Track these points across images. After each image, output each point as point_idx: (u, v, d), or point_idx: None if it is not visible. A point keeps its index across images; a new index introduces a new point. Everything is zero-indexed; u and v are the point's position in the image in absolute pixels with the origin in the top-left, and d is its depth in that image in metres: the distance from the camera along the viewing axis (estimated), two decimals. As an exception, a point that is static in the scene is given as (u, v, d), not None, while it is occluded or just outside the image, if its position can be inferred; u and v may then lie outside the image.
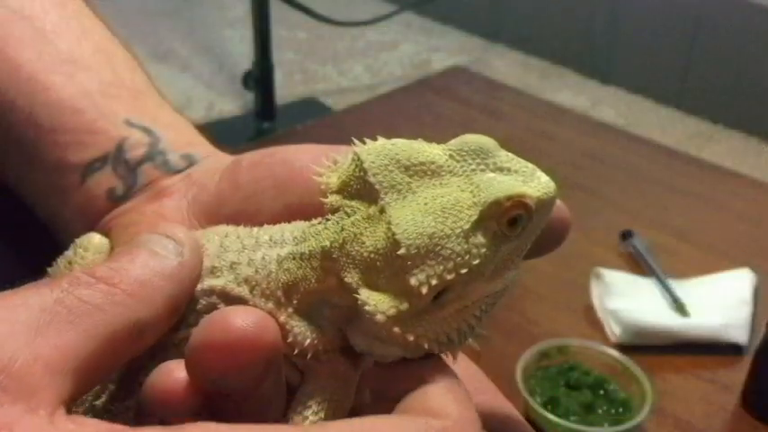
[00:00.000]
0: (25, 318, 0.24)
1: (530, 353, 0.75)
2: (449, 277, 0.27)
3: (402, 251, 0.26)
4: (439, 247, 0.27)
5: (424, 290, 0.26)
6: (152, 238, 0.29)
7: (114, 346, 0.26)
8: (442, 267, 0.26)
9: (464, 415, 0.26)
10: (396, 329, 0.27)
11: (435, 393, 0.27)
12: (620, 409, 0.73)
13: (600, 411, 0.73)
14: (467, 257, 0.27)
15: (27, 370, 0.23)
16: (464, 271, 0.27)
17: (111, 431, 0.23)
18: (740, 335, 0.81)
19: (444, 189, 0.28)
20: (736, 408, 0.76)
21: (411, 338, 0.27)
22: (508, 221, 0.27)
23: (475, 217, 0.27)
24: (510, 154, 0.29)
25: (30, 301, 0.25)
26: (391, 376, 0.28)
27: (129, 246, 0.29)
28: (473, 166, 0.28)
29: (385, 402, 0.28)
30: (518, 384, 0.71)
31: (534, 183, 0.28)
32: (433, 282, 0.26)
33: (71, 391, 0.24)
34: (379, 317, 0.27)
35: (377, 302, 0.27)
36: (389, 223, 0.27)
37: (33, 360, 0.23)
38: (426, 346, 0.27)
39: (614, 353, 0.76)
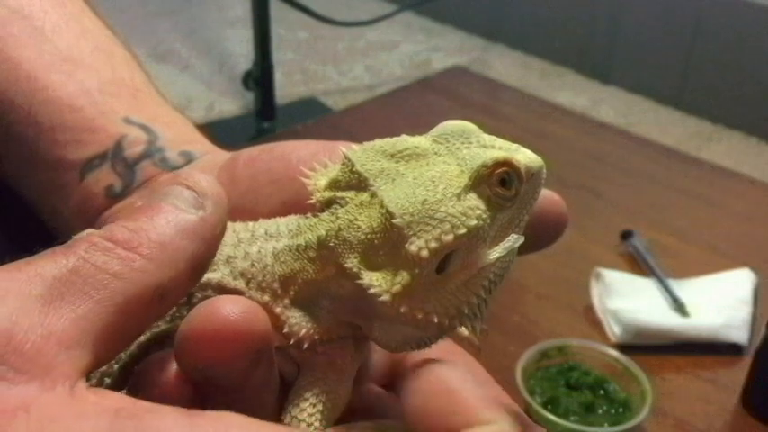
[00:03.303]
0: (39, 290, 0.24)
1: (530, 353, 0.75)
2: (447, 239, 0.26)
3: (397, 221, 0.26)
4: (433, 211, 0.26)
5: (425, 254, 0.26)
6: (173, 191, 0.27)
7: (133, 313, 0.25)
8: (438, 230, 0.26)
9: (467, 359, 0.26)
10: (403, 308, 0.26)
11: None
12: (620, 409, 0.73)
13: (600, 411, 0.73)
14: (463, 218, 0.26)
15: (41, 348, 0.23)
16: (462, 232, 0.26)
17: (134, 405, 0.23)
18: (740, 335, 0.81)
19: (432, 166, 0.28)
20: (736, 408, 0.76)
21: (420, 315, 0.27)
22: (499, 183, 0.27)
23: (465, 182, 0.27)
24: (493, 136, 0.29)
25: (45, 270, 0.24)
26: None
27: (149, 199, 0.27)
28: (457, 146, 0.29)
29: None
30: (518, 384, 0.71)
31: (520, 154, 0.29)
32: (433, 245, 0.26)
33: (90, 361, 0.24)
34: (385, 296, 0.26)
35: (380, 282, 0.26)
36: (382, 203, 0.27)
37: (47, 337, 0.23)
38: (436, 320, 0.27)
39: (614, 353, 0.76)
